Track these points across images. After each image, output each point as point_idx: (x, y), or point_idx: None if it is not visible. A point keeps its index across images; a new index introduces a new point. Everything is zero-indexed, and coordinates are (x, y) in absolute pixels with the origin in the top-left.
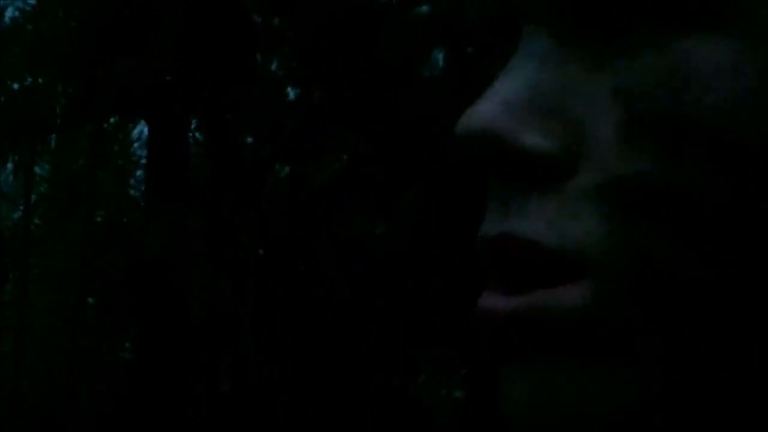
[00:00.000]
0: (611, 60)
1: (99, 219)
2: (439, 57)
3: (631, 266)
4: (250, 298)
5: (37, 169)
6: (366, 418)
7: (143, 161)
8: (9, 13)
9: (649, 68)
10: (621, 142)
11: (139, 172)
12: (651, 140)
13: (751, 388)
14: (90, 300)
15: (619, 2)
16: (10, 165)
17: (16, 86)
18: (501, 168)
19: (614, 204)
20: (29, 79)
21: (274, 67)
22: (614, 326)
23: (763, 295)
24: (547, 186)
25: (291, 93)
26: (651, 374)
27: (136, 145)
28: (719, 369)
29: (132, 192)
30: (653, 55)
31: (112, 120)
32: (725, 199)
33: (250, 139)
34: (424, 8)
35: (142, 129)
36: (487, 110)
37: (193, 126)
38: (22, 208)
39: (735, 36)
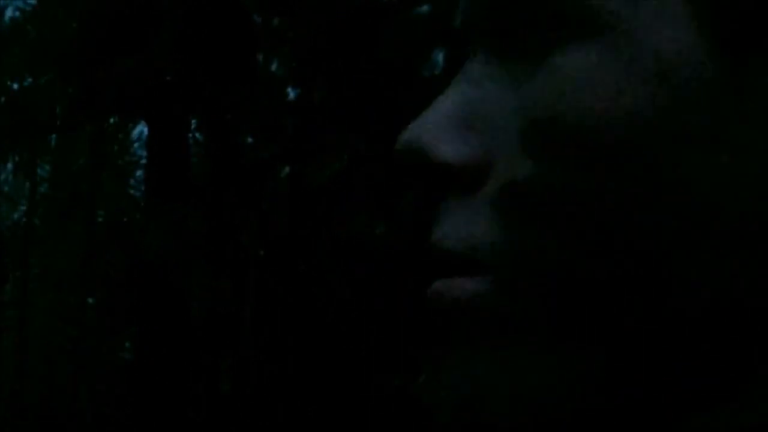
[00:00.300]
0: (519, 76)
1: (99, 219)
2: (440, 57)
3: (522, 263)
4: (250, 298)
5: (36, 169)
6: (366, 418)
7: (143, 161)
8: (9, 13)
9: (539, 81)
10: (518, 151)
11: (139, 172)
12: (539, 147)
13: (650, 369)
14: (90, 300)
15: (505, 23)
16: (9, 165)
17: (15, 86)
18: (425, 180)
19: (507, 207)
20: (29, 79)
21: (274, 67)
22: (510, 315)
23: (640, 283)
24: (463, 194)
25: (291, 93)
26: (551, 359)
27: (136, 145)
28: (616, 352)
29: (132, 192)
30: (542, 69)
31: (112, 120)
32: (602, 197)
33: (250, 139)
34: (425, 8)
35: (142, 129)
36: (413, 127)
37: (193, 126)
38: (22, 208)
39: (603, 44)
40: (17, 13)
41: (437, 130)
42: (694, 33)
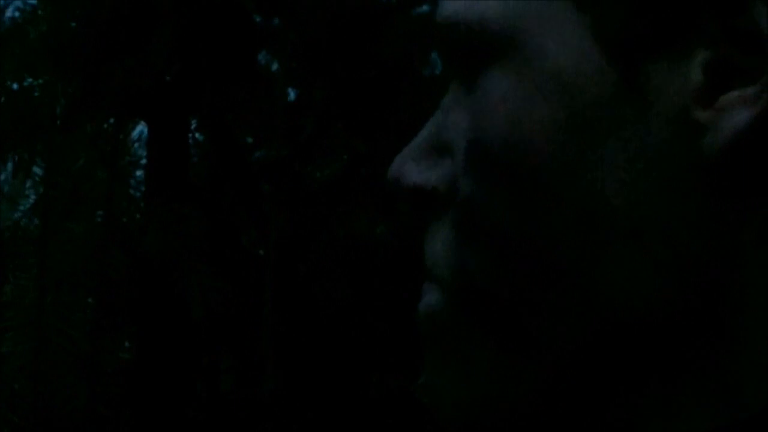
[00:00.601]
0: (464, 98)
1: (99, 219)
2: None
3: (464, 277)
4: (250, 298)
5: (36, 170)
6: (366, 418)
7: (143, 161)
8: (9, 13)
9: (471, 105)
10: (464, 171)
11: (139, 172)
12: (471, 168)
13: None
14: (90, 300)
15: (451, 55)
16: (9, 165)
17: (15, 86)
18: (409, 204)
19: (457, 225)
20: (29, 79)
21: (274, 67)
22: (460, 327)
23: (557, 292)
24: (437, 215)
25: (291, 93)
26: (496, 367)
27: (136, 145)
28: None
29: (132, 192)
30: (473, 94)
31: (112, 120)
32: (518, 214)
33: (250, 139)
34: (425, 8)
35: (142, 129)
36: (397, 157)
37: (193, 126)
38: (22, 208)
39: (513, 65)
40: (17, 13)
41: (410, 158)
42: (590, 46)
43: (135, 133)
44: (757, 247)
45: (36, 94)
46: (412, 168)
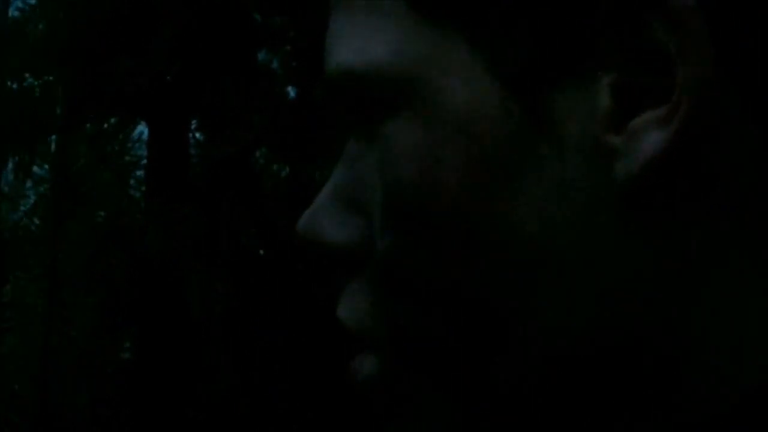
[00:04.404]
0: (372, 150)
1: (99, 219)
2: None
3: (394, 337)
4: (250, 298)
5: (36, 170)
6: (367, 418)
7: (143, 161)
8: (9, 12)
9: (381, 154)
10: (381, 226)
11: (139, 172)
12: (391, 221)
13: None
14: (90, 300)
15: (348, 101)
16: (10, 165)
17: (15, 86)
18: (322, 263)
19: (377, 283)
20: (29, 80)
21: (274, 67)
22: (401, 390)
23: (490, 339)
24: (351, 273)
25: (291, 93)
26: (443, 425)
27: (136, 145)
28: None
29: (132, 192)
30: (377, 145)
31: (112, 120)
32: (436, 264)
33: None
34: None
35: (142, 129)
36: (303, 217)
37: (193, 126)
38: (23, 208)
39: (412, 112)
40: (17, 13)
41: (320, 215)
42: (489, 83)
43: (135, 133)
44: (687, 266)
45: (36, 94)
46: (324, 225)
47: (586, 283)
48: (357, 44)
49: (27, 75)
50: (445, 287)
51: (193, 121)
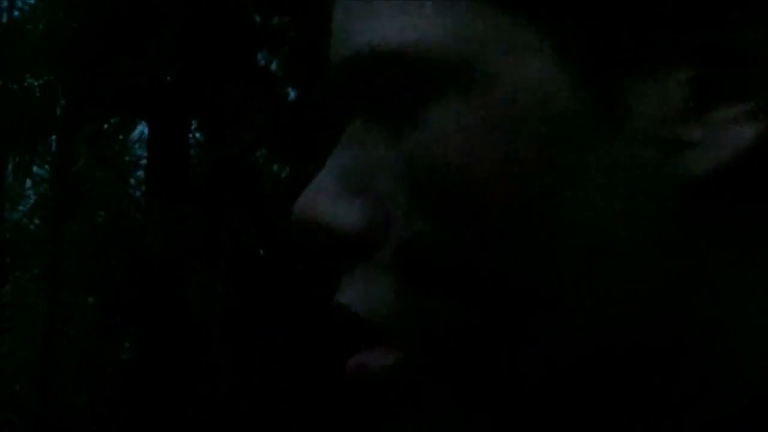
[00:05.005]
0: (406, 133)
1: (99, 219)
2: None
3: (422, 328)
4: (250, 298)
5: (36, 170)
6: (367, 418)
7: (143, 161)
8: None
9: (414, 139)
10: (408, 211)
11: (139, 172)
12: (426, 206)
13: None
14: (90, 300)
15: (378, 83)
16: (10, 165)
17: (15, 87)
18: (321, 248)
19: (403, 270)
20: (29, 80)
21: (274, 67)
22: (424, 385)
23: (531, 331)
24: (361, 258)
25: (291, 93)
26: (465, 424)
27: (136, 145)
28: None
29: (132, 192)
30: (416, 126)
31: (112, 120)
32: (479, 251)
33: (250, 139)
34: None
35: (142, 129)
36: (303, 199)
37: (193, 126)
38: (23, 208)
39: (463, 95)
40: (16, 13)
41: (329, 198)
42: (556, 69)
43: (135, 133)
44: (743, 265)
45: (36, 94)
46: (329, 208)
47: (642, 276)
48: (400, 23)
49: (27, 75)
50: (487, 276)
51: (193, 121)
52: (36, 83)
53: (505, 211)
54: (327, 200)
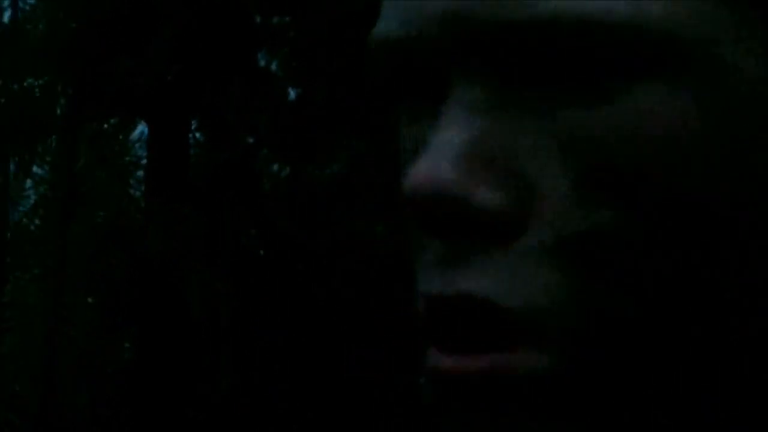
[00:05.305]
0: (560, 110)
1: (99, 220)
2: None
3: (593, 328)
4: (250, 298)
5: (36, 170)
6: (366, 418)
7: (143, 161)
8: (9, 13)
9: (602, 120)
10: (575, 197)
11: (139, 172)
12: (606, 194)
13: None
14: (90, 300)
15: (569, 53)
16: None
17: (15, 86)
18: (450, 225)
19: (571, 262)
20: (29, 80)
21: (274, 67)
22: (575, 388)
23: (716, 347)
24: (499, 243)
25: (291, 93)
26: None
27: (136, 145)
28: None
29: (132, 192)
30: (605, 106)
31: (112, 120)
32: (677, 251)
33: (250, 140)
34: None
35: (142, 129)
36: (434, 168)
37: (193, 126)
38: (23, 208)
39: (683, 84)
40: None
41: (463, 171)
42: None
43: (135, 133)
44: None
45: (36, 94)
46: (464, 180)
47: None
48: None
49: (27, 75)
50: (682, 271)
51: (193, 121)
52: (36, 83)
53: (720, 204)
54: (461, 173)
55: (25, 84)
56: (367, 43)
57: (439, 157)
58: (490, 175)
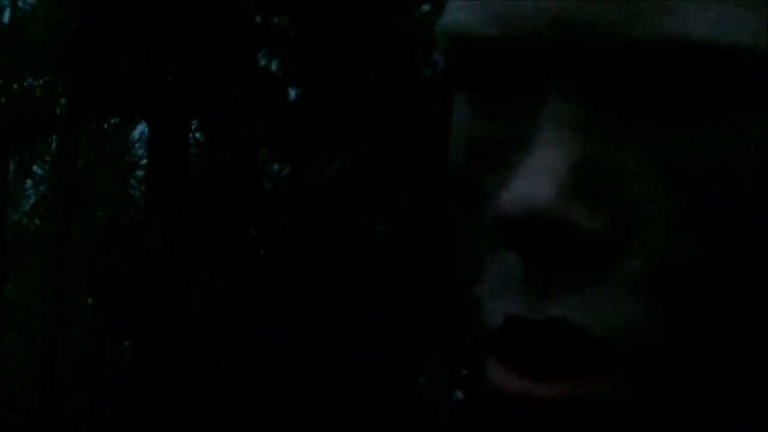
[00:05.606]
0: (665, 136)
1: (99, 220)
2: (440, 57)
3: (682, 359)
4: (250, 298)
5: (36, 169)
6: (366, 418)
7: (143, 161)
8: (9, 13)
9: (706, 148)
10: (676, 227)
11: (139, 172)
12: (710, 227)
13: None
14: (90, 300)
15: (681, 77)
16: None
17: (15, 86)
18: (547, 248)
19: (666, 292)
20: (29, 79)
21: (274, 67)
22: (659, 420)
23: None
24: (593, 269)
25: (291, 93)
26: None
27: (136, 145)
28: None
29: (132, 192)
30: (710, 133)
31: (112, 120)
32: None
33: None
34: (425, 7)
35: (142, 129)
36: (536, 190)
37: (193, 126)
38: (23, 209)
39: None
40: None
41: (568, 195)
42: None
43: (135, 133)
44: None
45: (36, 94)
46: (568, 203)
47: None
48: (721, 16)
49: (27, 75)
50: None
51: (193, 121)
52: (36, 83)
53: None
54: (563, 196)
55: (25, 84)
56: (443, 27)
57: (541, 180)
58: (591, 199)
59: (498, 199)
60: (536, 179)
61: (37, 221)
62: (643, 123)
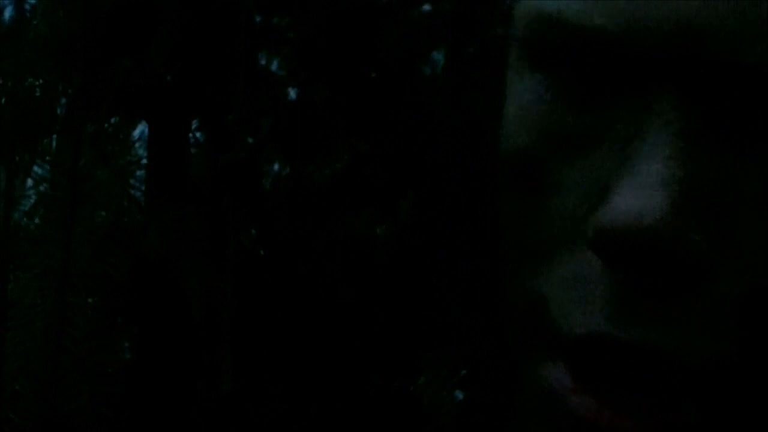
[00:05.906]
0: (750, 158)
1: (99, 220)
2: (440, 57)
3: (761, 388)
4: (249, 298)
5: (37, 169)
6: (366, 419)
7: (143, 161)
8: (9, 12)
9: None
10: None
11: (139, 172)
12: None
13: None
14: (90, 300)
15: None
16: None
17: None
18: (650, 265)
19: (755, 317)
20: (29, 79)
21: (274, 67)
22: None
23: None
24: (689, 289)
25: (291, 93)
26: None
27: (136, 145)
28: None
29: (132, 192)
30: None
31: (112, 120)
32: None
33: (250, 140)
34: (426, 7)
35: (142, 129)
36: (649, 205)
37: (193, 126)
38: (23, 208)
39: None
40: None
41: (681, 213)
42: None
43: (135, 133)
44: None
45: (36, 94)
46: (694, 226)
47: None
48: None
49: (27, 75)
50: None
51: (194, 121)
52: (36, 83)
53: None
54: (675, 213)
55: (25, 84)
56: (535, 7)
57: (655, 194)
58: (699, 217)
59: (599, 208)
60: (649, 193)
61: (37, 221)
62: (752, 142)
